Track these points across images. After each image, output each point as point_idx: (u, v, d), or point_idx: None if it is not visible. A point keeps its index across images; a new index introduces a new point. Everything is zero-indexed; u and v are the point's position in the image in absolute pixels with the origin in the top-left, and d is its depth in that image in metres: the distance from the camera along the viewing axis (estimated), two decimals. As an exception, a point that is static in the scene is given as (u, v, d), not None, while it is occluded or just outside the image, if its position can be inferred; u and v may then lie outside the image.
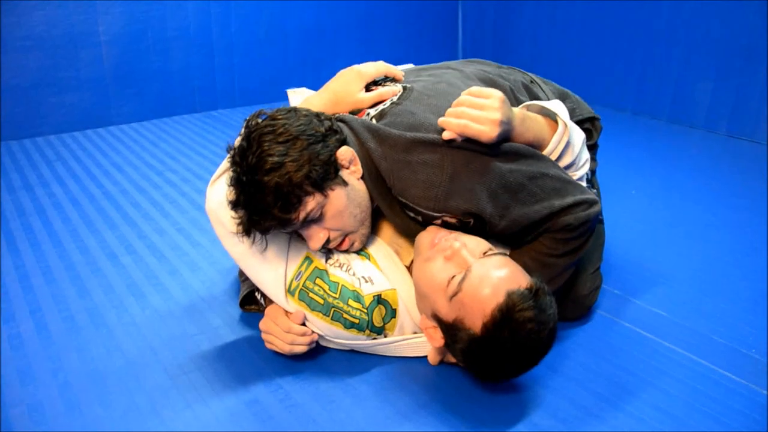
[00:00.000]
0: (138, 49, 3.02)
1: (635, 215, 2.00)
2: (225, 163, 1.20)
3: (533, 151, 1.20)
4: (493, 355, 1.04)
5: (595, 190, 1.44)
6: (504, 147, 1.16)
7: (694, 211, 2.05)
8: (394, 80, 1.39)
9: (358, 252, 1.26)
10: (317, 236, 1.17)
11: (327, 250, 1.24)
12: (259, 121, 1.14)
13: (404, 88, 1.32)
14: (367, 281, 1.22)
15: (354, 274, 1.22)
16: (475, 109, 1.11)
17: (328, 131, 1.15)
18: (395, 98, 1.30)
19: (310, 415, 1.13)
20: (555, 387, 1.21)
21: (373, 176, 1.19)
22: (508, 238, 1.24)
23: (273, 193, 1.08)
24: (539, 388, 1.20)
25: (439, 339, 1.13)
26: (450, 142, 1.13)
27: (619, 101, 3.32)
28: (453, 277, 1.08)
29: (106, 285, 1.57)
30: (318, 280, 1.19)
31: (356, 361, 1.27)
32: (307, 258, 1.21)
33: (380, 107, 1.29)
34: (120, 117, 3.05)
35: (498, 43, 3.95)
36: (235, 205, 1.12)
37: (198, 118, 3.15)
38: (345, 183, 1.16)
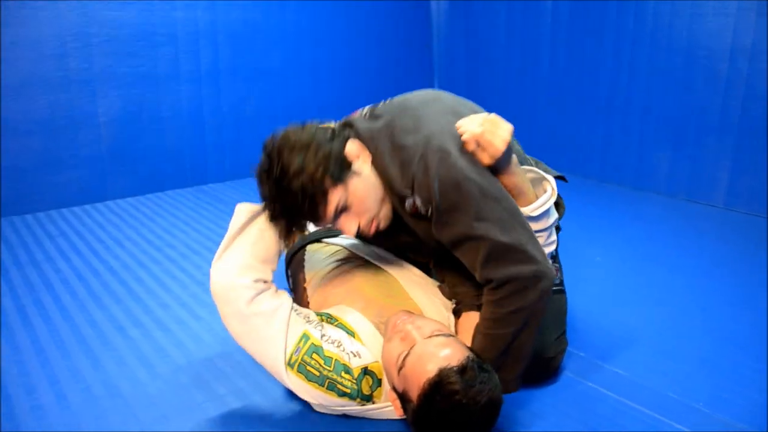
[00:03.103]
0: (134, 129, 3.22)
1: (600, 281, 2.19)
2: (227, 239, 1.38)
3: (503, 189, 1.33)
4: (430, 425, 1.19)
5: (557, 264, 1.63)
6: (480, 168, 1.30)
7: (655, 275, 2.24)
8: None
9: (346, 331, 1.42)
10: (350, 224, 1.36)
11: (320, 328, 1.40)
12: (274, 139, 1.33)
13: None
14: (355, 355, 1.38)
15: (344, 350, 1.38)
16: (492, 126, 1.30)
17: (333, 134, 1.35)
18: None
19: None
20: (527, 442, 1.37)
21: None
22: (449, 255, 1.37)
23: (302, 194, 1.27)
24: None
25: (400, 410, 1.30)
26: (430, 139, 1.29)
27: (586, 169, 3.56)
28: (401, 353, 1.26)
29: (118, 357, 1.72)
30: (314, 355, 1.34)
31: (349, 424, 1.42)
32: (304, 335, 1.36)
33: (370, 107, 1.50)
34: (115, 192, 3.21)
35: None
36: (273, 217, 1.33)
37: (190, 192, 3.33)
38: (359, 173, 1.34)
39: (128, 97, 3.17)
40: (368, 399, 1.38)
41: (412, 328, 1.30)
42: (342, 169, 1.31)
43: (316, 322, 1.41)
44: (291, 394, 1.53)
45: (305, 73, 3.78)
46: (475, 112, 1.43)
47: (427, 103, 1.41)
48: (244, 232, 1.39)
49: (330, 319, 1.45)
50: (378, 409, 1.40)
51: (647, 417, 1.45)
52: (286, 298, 1.40)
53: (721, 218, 2.86)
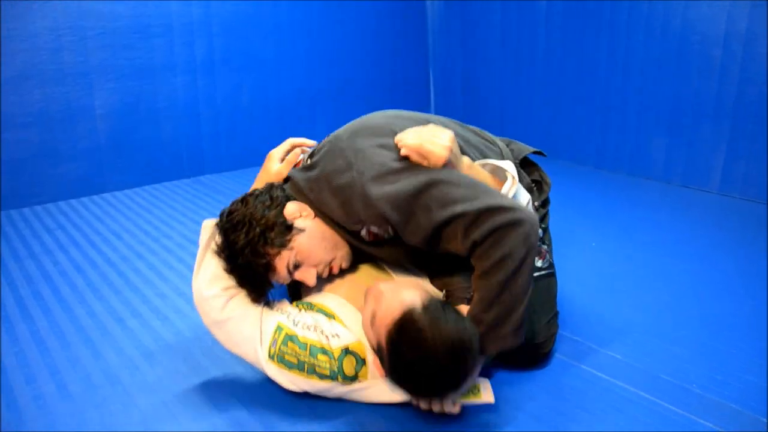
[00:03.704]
0: (130, 121, 3.22)
1: (595, 267, 2.20)
2: (198, 256, 1.48)
3: (450, 171, 1.34)
4: (402, 365, 1.20)
5: (545, 246, 1.65)
6: (420, 167, 1.33)
7: (650, 261, 2.26)
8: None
9: (325, 314, 1.45)
10: (308, 275, 1.46)
11: (294, 314, 1.45)
12: (224, 219, 1.43)
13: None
14: (334, 336, 1.41)
15: (322, 332, 1.41)
16: (430, 135, 1.34)
17: (271, 201, 1.43)
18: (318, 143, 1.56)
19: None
20: (518, 423, 1.39)
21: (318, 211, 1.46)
22: (437, 255, 1.40)
23: (250, 267, 1.39)
24: (502, 422, 1.38)
25: (381, 369, 1.31)
26: (363, 173, 1.33)
27: (582, 156, 3.58)
28: (373, 309, 1.30)
29: (117, 347, 1.73)
30: (290, 343, 1.38)
31: (348, 405, 1.44)
32: (278, 327, 1.41)
33: (311, 151, 1.56)
34: (113, 184, 3.23)
35: (467, 103, 4.22)
36: (239, 285, 1.44)
37: (187, 184, 3.34)
38: (302, 230, 1.42)
39: (124, 90, 3.17)
40: (353, 379, 1.40)
41: (386, 288, 1.33)
42: (283, 233, 1.40)
43: (289, 313, 1.45)
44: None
45: (300, 63, 3.79)
46: (414, 122, 1.48)
47: (357, 133, 1.44)
48: (211, 247, 1.47)
49: (309, 306, 1.49)
50: (366, 388, 1.42)
51: (641, 398, 1.47)
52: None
53: (715, 204, 2.88)
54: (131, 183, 3.29)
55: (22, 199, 2.97)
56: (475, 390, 1.39)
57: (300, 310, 1.48)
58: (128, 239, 2.54)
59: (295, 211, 1.43)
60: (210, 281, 1.44)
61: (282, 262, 1.41)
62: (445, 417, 1.39)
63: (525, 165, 1.73)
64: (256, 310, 1.43)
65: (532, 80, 3.76)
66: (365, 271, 1.58)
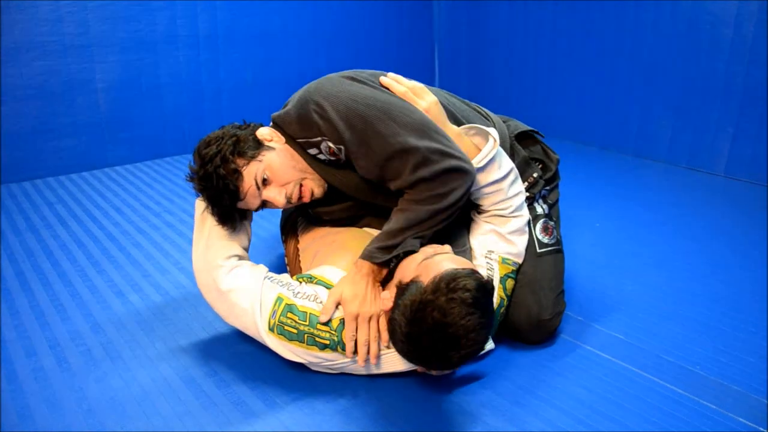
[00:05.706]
0: (132, 95, 3.19)
1: (599, 246, 2.19)
2: (196, 230, 1.52)
3: (411, 107, 1.42)
4: (427, 310, 1.16)
5: (552, 222, 1.64)
6: (381, 92, 1.43)
7: (654, 241, 2.24)
8: None
9: (325, 285, 1.44)
10: (277, 195, 1.50)
11: (295, 287, 1.43)
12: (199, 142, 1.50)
13: None
14: None
15: (321, 303, 1.40)
16: (418, 91, 1.50)
17: (246, 126, 1.53)
18: None
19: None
20: (523, 403, 1.38)
21: (291, 142, 1.52)
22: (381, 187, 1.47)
23: (216, 176, 1.41)
24: (507, 403, 1.38)
25: (389, 302, 1.30)
26: (322, 86, 1.43)
27: (587, 136, 3.55)
28: (433, 251, 1.35)
29: (117, 321, 1.72)
30: (289, 314, 1.38)
31: (347, 382, 1.44)
32: (278, 298, 1.40)
33: None
34: (115, 159, 3.20)
35: (472, 82, 4.18)
36: (208, 203, 1.47)
37: (189, 159, 3.29)
38: (272, 148, 1.49)
39: (126, 63, 3.13)
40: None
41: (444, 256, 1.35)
42: (254, 147, 1.46)
43: (289, 284, 1.44)
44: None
45: (304, 38, 3.74)
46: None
47: (329, 75, 1.52)
48: (206, 221, 1.51)
49: (310, 279, 1.48)
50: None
51: (643, 379, 1.46)
52: (259, 269, 1.48)
53: (721, 186, 2.85)
54: (132, 158, 3.26)
55: (22, 173, 2.95)
56: None
57: (300, 282, 1.47)
58: (129, 214, 2.53)
59: (266, 134, 1.51)
60: (211, 252, 1.46)
61: (250, 174, 1.45)
62: (444, 389, 1.40)
63: (527, 142, 1.72)
64: (257, 283, 1.42)
65: (539, 60, 3.72)
66: (364, 244, 1.56)
